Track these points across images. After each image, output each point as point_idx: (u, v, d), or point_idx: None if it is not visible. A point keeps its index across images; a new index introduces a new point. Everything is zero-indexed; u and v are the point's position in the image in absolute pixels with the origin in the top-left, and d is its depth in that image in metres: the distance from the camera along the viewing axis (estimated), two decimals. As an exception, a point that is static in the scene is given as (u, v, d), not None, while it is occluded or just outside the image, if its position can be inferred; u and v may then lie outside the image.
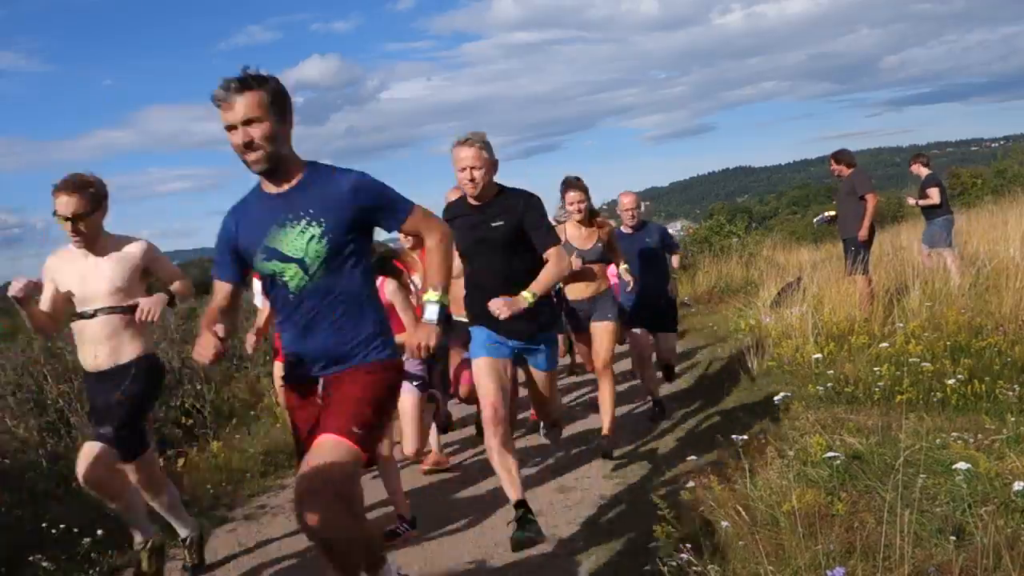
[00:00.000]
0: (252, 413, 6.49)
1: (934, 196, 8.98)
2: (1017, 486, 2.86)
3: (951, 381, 4.56)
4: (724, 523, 3.10)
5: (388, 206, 2.53)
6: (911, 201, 9.10)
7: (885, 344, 5.50)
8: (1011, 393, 4.36)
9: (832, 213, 8.38)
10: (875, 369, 5.07)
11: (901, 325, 5.94)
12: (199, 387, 6.43)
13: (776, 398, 4.88)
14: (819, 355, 5.70)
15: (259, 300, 4.75)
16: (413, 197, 2.58)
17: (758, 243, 16.29)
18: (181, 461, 5.26)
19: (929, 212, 9.03)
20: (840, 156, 7.99)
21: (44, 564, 3.75)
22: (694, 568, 2.79)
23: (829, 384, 5.09)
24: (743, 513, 3.10)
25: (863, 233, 7.49)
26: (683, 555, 2.88)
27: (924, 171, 9.26)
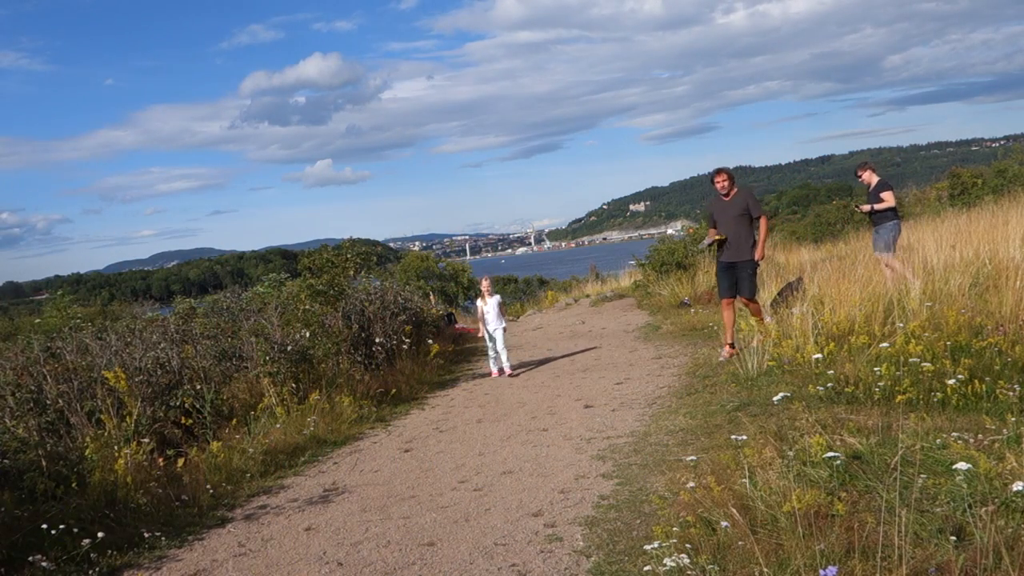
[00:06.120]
0: (252, 413, 6.49)
1: (890, 199, 8.96)
2: (1017, 486, 2.86)
3: (951, 381, 4.56)
4: (724, 523, 3.10)
5: None
6: (865, 208, 9.06)
7: (885, 344, 5.49)
8: (1011, 393, 4.36)
9: (718, 238, 7.68)
10: (875, 369, 5.07)
11: (901, 325, 5.94)
12: (199, 387, 6.43)
13: (776, 398, 4.89)
14: (819, 355, 5.71)
15: None
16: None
17: (758, 243, 16.23)
18: (181, 461, 5.26)
19: (881, 217, 8.99)
20: (728, 171, 7.76)
21: (44, 564, 3.75)
22: (693, 569, 2.79)
23: (829, 384, 5.09)
24: (743, 513, 3.10)
25: (759, 254, 7.47)
26: (682, 555, 2.88)
27: (875, 178, 9.28)
